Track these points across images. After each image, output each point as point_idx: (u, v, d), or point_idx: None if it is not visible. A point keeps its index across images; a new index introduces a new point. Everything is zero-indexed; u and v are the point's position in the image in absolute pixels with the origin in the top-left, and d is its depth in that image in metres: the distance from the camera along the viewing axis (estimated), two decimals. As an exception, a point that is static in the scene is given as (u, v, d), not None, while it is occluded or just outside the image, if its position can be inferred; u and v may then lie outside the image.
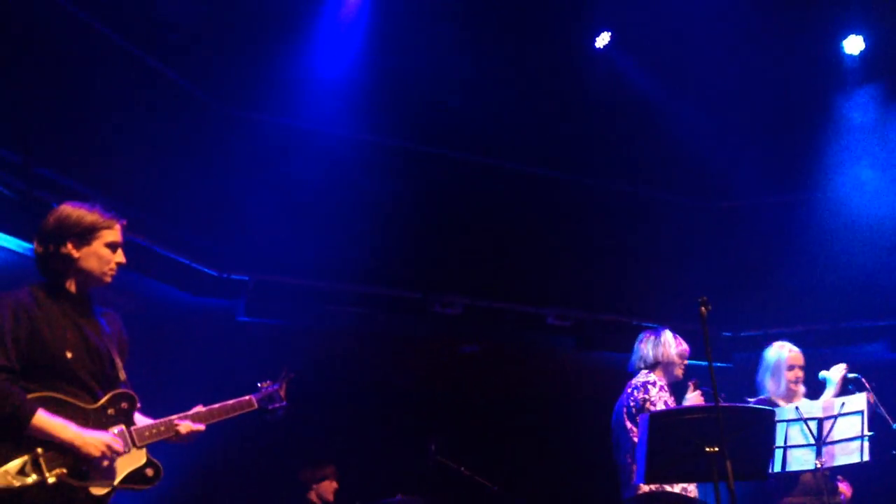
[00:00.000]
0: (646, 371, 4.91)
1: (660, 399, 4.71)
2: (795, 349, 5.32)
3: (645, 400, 4.69)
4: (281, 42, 6.93)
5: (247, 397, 3.76)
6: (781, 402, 5.08)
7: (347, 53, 7.13)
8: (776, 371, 5.26)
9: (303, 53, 7.04)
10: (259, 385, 3.86)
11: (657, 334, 5.00)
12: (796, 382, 5.21)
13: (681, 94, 7.89)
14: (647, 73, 7.74)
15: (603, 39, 7.64)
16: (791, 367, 5.23)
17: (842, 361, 5.27)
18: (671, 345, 4.95)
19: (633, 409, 4.70)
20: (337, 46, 7.09)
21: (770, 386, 5.27)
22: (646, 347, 4.98)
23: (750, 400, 5.14)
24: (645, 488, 4.56)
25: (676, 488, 4.61)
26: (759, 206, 8.81)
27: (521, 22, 7.43)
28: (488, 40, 7.48)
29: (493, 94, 7.81)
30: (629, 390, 4.83)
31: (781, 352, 5.30)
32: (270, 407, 3.83)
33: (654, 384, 4.77)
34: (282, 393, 3.89)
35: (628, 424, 4.72)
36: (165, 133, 6.65)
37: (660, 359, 4.91)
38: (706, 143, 8.01)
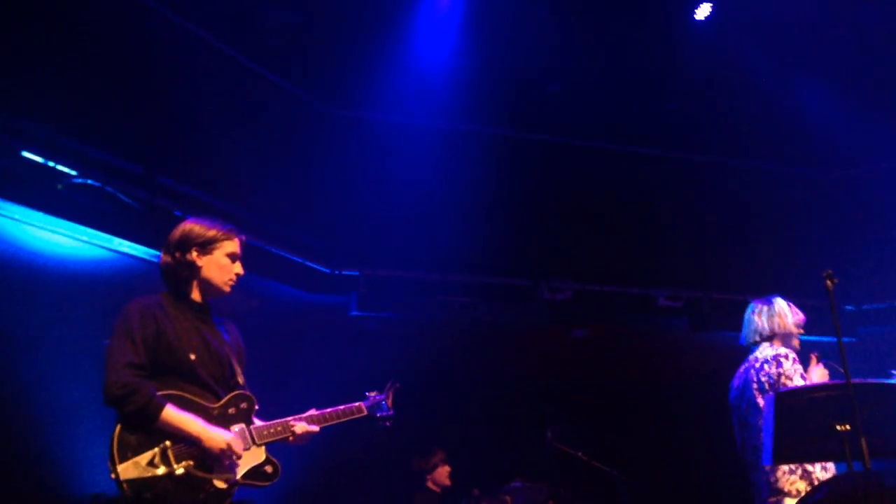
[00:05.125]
0: (766, 343, 4.61)
1: (795, 373, 4.40)
2: None
3: (780, 374, 4.38)
4: (379, 40, 7.01)
5: (356, 404, 3.88)
6: None
7: (445, 46, 7.15)
8: None
9: (402, 50, 7.09)
10: (367, 394, 3.97)
11: (769, 303, 4.69)
12: None
13: (787, 63, 7.59)
14: (750, 42, 7.48)
15: (703, 11, 7.43)
16: None
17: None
18: (787, 314, 4.65)
19: (766, 385, 4.39)
20: (435, 40, 7.11)
21: None
22: (760, 318, 4.65)
23: None
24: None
25: (817, 468, 4.37)
26: (876, 172, 8.42)
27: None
28: (585, 21, 7.36)
29: (593, 76, 7.69)
30: (757, 365, 4.51)
31: None
32: (379, 414, 3.93)
33: (786, 357, 4.44)
34: (388, 402, 3.99)
35: (760, 402, 4.39)
36: (273, 137, 6.86)
37: (776, 329, 4.60)
38: (815, 111, 7.70)
